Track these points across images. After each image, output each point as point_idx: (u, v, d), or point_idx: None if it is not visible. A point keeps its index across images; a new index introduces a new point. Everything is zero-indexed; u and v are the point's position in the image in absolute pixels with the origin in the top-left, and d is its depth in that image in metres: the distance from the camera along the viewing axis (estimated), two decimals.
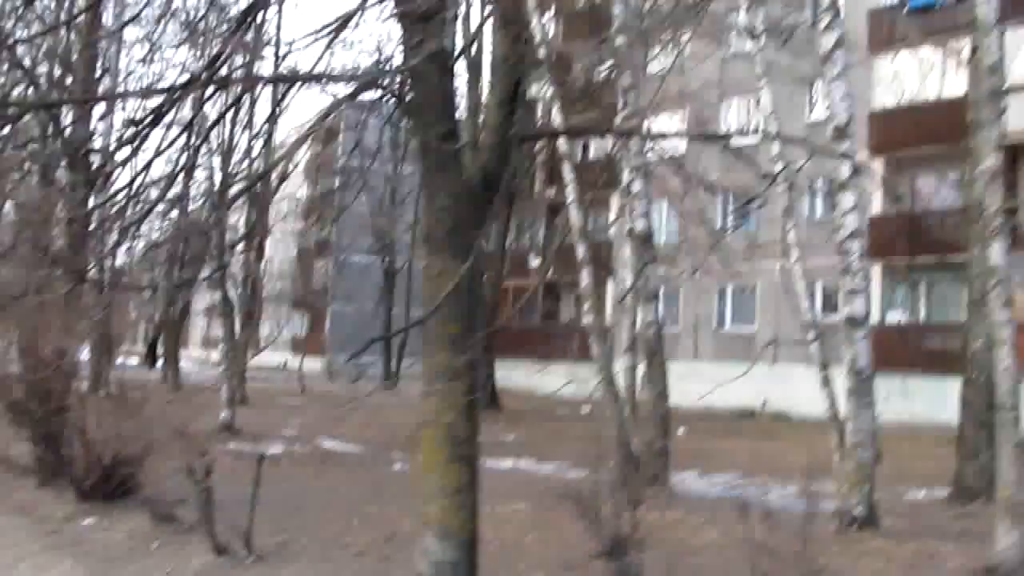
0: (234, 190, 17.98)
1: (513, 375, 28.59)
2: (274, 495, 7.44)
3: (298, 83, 6.61)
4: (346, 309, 42.64)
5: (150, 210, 6.29)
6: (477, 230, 4.38)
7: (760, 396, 22.40)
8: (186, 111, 8.47)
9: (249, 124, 19.08)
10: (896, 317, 22.21)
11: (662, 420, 9.86)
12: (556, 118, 12.04)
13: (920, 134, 19.70)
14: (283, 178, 21.22)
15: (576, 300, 32.12)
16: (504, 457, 13.21)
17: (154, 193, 7.98)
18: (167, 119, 5.45)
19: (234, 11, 12.72)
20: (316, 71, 4.61)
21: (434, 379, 4.32)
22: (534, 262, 30.46)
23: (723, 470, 12.53)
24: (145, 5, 15.75)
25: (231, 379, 16.18)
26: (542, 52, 10.94)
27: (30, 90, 14.72)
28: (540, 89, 16.11)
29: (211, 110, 12.02)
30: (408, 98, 4.55)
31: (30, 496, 8.61)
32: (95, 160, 14.97)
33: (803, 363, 22.94)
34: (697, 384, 24.86)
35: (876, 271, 21.22)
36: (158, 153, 5.46)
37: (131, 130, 4.46)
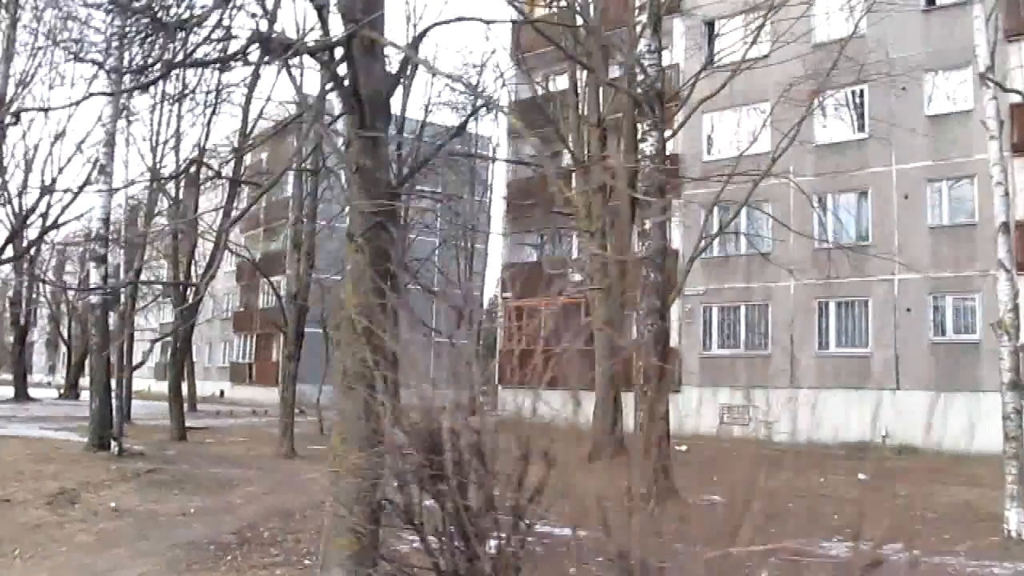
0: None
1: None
2: None
3: None
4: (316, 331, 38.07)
5: None
6: None
7: (873, 427, 19.55)
8: None
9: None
10: None
11: None
12: None
13: None
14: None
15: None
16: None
17: None
18: None
19: None
20: None
21: None
22: (576, 277, 27.12)
23: None
24: None
25: (288, 416, 12.12)
26: None
27: None
28: None
29: None
30: None
31: None
32: None
33: (924, 389, 20.31)
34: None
35: None
36: None
37: None
